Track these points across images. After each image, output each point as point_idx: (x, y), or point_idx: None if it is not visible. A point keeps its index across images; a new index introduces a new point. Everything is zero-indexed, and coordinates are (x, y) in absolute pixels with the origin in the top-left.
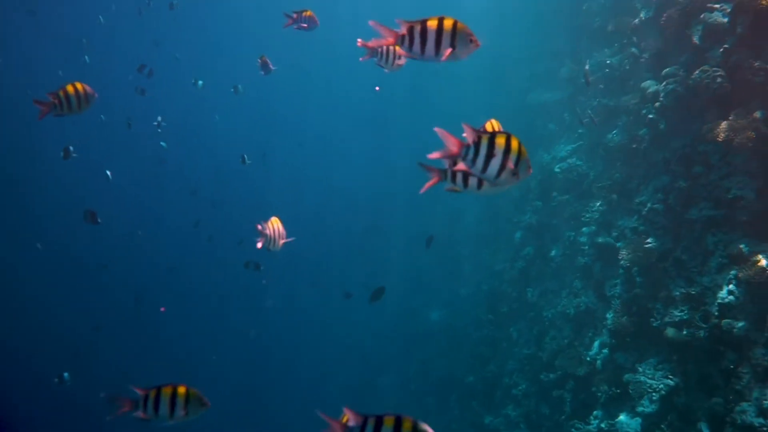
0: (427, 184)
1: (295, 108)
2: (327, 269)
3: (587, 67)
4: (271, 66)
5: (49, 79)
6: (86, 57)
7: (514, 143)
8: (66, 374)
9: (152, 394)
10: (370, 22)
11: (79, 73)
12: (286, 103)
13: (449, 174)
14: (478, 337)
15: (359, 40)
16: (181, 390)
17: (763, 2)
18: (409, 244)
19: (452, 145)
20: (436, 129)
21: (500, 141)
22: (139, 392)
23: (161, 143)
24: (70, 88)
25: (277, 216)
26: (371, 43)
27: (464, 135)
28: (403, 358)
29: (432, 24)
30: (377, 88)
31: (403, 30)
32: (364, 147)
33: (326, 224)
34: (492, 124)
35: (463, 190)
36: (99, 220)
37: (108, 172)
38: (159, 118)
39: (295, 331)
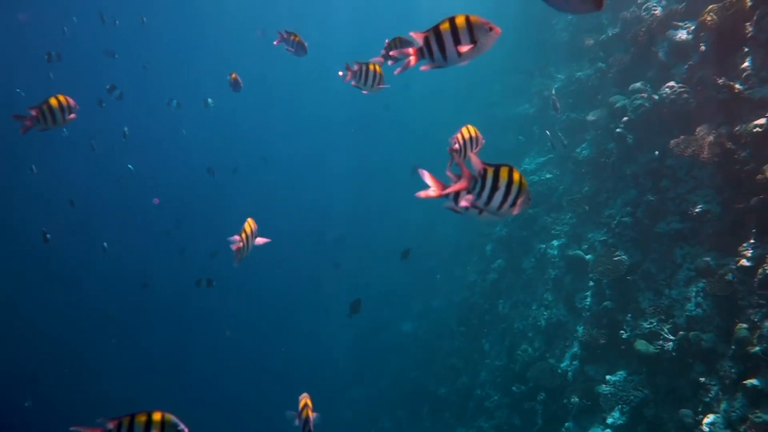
0: (427, 194)
1: (262, 121)
2: (298, 281)
3: (554, 93)
4: (240, 83)
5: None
6: (51, 74)
7: (516, 176)
8: (28, 402)
9: (125, 421)
10: (390, 58)
11: (43, 88)
12: (253, 116)
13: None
14: (450, 348)
15: (347, 66)
16: (156, 417)
17: (717, 22)
18: (382, 255)
19: (465, 177)
20: (453, 154)
21: (503, 174)
22: (110, 424)
23: (129, 166)
24: (53, 101)
25: (251, 218)
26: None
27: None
28: (375, 369)
29: (445, 27)
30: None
31: (420, 42)
32: (338, 161)
33: (299, 237)
34: (468, 130)
35: (463, 212)
36: (48, 237)
37: (71, 201)
38: (125, 129)
39: (266, 343)
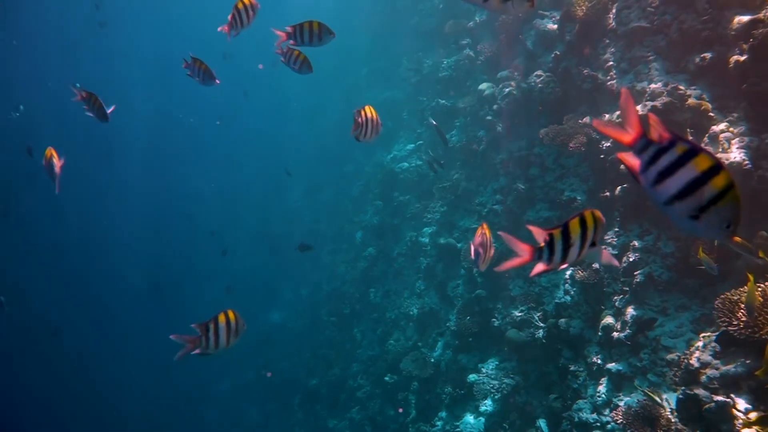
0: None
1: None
2: (161, 271)
3: (434, 122)
4: (108, 113)
5: None
6: None
7: (590, 222)
8: None
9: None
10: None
11: None
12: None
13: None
14: (320, 339)
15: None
16: (231, 315)
17: (579, 13)
18: (248, 242)
19: (523, 252)
20: (501, 233)
21: (574, 229)
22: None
23: None
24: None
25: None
26: None
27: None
28: (241, 362)
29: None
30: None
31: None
32: (202, 145)
33: (160, 224)
34: (372, 111)
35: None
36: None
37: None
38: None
39: (123, 337)
